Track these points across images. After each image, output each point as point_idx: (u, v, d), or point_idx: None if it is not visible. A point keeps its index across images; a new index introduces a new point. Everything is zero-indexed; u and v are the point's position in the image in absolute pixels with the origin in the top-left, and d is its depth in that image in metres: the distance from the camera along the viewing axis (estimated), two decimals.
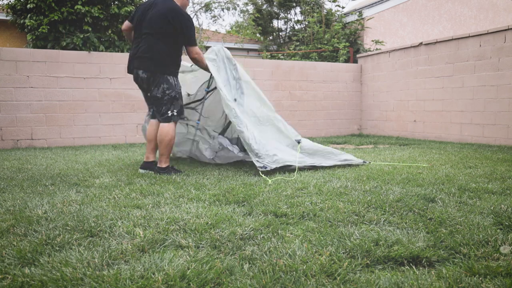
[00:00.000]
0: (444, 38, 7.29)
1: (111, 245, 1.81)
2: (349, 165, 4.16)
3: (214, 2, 15.73)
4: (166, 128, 3.73)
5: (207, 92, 4.26)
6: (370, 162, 4.33)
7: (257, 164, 3.66)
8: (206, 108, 4.43)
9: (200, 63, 3.86)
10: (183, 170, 3.90)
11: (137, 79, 3.82)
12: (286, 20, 14.69)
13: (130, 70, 3.86)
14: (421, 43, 7.74)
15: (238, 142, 4.49)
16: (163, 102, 3.74)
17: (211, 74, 4.01)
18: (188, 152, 4.78)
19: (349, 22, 11.53)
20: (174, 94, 3.74)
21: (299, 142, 4.16)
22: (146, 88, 3.82)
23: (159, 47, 3.69)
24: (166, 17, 3.66)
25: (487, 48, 6.55)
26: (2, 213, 2.37)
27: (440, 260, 1.66)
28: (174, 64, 3.82)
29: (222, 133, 4.60)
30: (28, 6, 8.31)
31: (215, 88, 4.15)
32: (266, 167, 3.63)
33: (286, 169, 3.79)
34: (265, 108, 4.20)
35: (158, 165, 3.78)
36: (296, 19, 14.51)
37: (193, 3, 19.60)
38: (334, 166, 4.12)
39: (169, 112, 3.74)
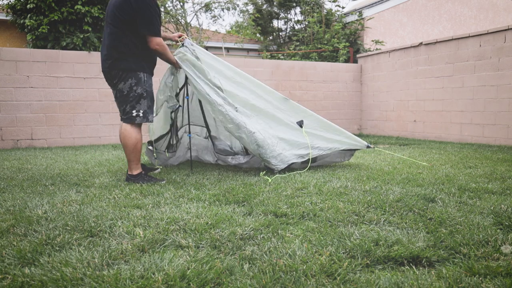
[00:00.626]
0: (444, 38, 7.29)
1: (111, 245, 1.81)
2: (352, 152, 4.20)
3: (214, 2, 15.72)
4: (129, 130, 3.29)
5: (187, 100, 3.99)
6: (374, 147, 4.36)
7: (271, 166, 3.63)
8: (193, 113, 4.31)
9: (163, 56, 3.41)
10: (178, 171, 3.89)
11: (107, 79, 3.43)
12: (286, 20, 14.70)
13: (102, 69, 3.44)
14: (421, 43, 7.74)
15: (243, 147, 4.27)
16: (128, 100, 3.29)
17: (186, 80, 3.84)
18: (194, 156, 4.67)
19: (349, 22, 11.53)
20: (141, 92, 3.29)
21: (301, 126, 3.94)
22: (112, 84, 3.38)
23: (126, 39, 3.26)
24: (129, 1, 3.20)
25: (487, 48, 6.55)
26: (2, 213, 2.37)
27: (440, 260, 1.66)
28: (145, 58, 3.35)
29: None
30: (28, 6, 8.31)
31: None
32: (275, 170, 3.62)
33: (291, 167, 3.79)
34: (259, 98, 3.92)
35: (128, 172, 3.36)
36: (296, 19, 14.52)
37: (193, 3, 19.58)
38: (336, 160, 4.17)
39: (133, 111, 3.28)
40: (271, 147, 3.66)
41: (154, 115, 3.77)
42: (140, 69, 3.31)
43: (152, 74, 3.46)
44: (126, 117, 3.31)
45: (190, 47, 3.69)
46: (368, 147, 4.10)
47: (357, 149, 4.14)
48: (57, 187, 3.14)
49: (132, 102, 3.29)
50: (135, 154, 3.31)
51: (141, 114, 3.30)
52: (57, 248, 1.78)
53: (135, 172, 3.33)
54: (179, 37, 3.71)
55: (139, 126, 3.35)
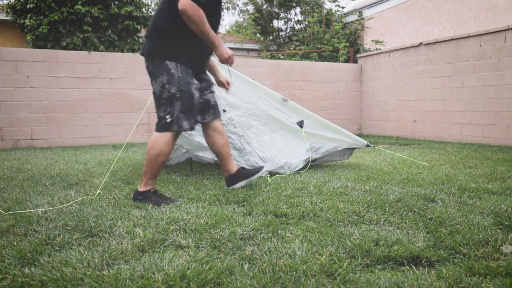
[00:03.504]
0: (444, 38, 7.29)
1: (111, 245, 1.80)
2: (352, 151, 4.19)
3: None
4: (156, 138, 2.63)
5: None
6: (374, 146, 4.35)
7: (280, 174, 3.61)
8: None
9: (194, 24, 2.51)
10: (181, 169, 3.88)
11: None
12: (286, 20, 14.69)
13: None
14: (421, 43, 7.74)
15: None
16: (162, 102, 2.62)
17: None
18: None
19: (349, 22, 11.53)
20: (174, 91, 2.59)
21: (301, 126, 3.95)
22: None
23: (160, 18, 2.65)
24: None
25: (487, 48, 6.55)
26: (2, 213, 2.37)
27: (440, 260, 1.66)
28: (179, 44, 2.63)
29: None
30: (28, 6, 8.32)
31: None
32: (280, 173, 3.60)
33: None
34: (259, 100, 3.90)
35: (138, 187, 2.70)
36: (296, 19, 14.51)
37: None
38: (335, 158, 4.16)
39: (167, 117, 2.61)
40: (276, 160, 3.70)
41: None
42: (173, 59, 2.61)
43: (190, 67, 2.67)
44: (158, 124, 2.66)
45: None
46: (367, 146, 4.09)
47: (357, 148, 4.14)
48: (57, 187, 3.14)
49: (166, 105, 2.62)
50: (152, 167, 2.63)
51: (173, 120, 2.61)
52: (57, 248, 1.78)
53: (142, 188, 2.65)
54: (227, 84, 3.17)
55: (171, 136, 2.64)
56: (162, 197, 2.65)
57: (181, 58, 2.63)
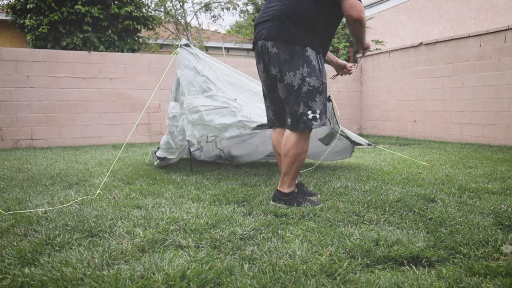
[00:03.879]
0: (444, 38, 7.28)
1: (111, 245, 1.80)
2: (353, 148, 4.12)
3: (214, 2, 15.73)
4: (296, 137, 2.42)
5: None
6: (375, 145, 4.33)
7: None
8: None
9: (362, 26, 2.35)
10: (181, 168, 3.89)
11: (262, 57, 2.49)
12: None
13: (253, 44, 2.56)
14: (421, 43, 7.74)
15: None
16: (301, 96, 2.38)
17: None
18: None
19: None
20: (316, 84, 2.37)
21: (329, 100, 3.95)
22: (274, 74, 2.45)
23: (305, 6, 2.36)
24: None
25: (487, 48, 6.55)
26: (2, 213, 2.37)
27: (440, 260, 1.66)
28: (319, 34, 2.42)
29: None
30: (28, 6, 8.32)
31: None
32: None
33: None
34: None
35: (278, 188, 2.55)
36: None
37: (193, 3, 19.53)
38: (337, 158, 4.16)
39: (309, 112, 2.37)
40: None
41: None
42: (314, 48, 2.40)
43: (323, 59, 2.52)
44: (299, 122, 2.40)
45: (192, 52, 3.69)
46: (369, 145, 4.08)
47: (359, 144, 4.11)
48: (57, 187, 3.14)
49: (305, 99, 2.38)
50: (295, 167, 2.47)
51: (317, 115, 2.39)
52: (57, 248, 1.78)
53: (287, 190, 2.50)
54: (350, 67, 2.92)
55: (309, 131, 2.46)
56: (306, 199, 2.56)
57: (318, 48, 2.44)
